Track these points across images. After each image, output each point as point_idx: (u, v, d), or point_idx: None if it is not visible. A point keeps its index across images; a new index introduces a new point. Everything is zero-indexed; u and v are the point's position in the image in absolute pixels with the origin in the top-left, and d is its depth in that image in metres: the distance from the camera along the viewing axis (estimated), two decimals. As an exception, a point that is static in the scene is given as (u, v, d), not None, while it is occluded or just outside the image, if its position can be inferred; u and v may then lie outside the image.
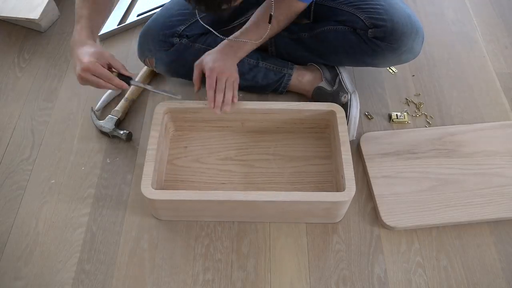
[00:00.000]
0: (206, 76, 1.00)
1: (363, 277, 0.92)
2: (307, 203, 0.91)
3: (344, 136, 0.98)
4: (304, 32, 1.14)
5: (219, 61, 0.99)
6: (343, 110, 1.03)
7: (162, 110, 1.03)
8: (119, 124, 1.14)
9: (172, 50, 1.11)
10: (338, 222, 0.99)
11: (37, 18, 1.32)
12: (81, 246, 0.96)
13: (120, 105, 1.16)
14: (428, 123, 1.16)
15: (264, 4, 1.03)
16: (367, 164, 1.05)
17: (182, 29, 1.10)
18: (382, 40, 1.01)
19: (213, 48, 1.04)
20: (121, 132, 1.11)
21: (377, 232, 0.98)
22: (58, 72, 1.28)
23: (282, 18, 1.02)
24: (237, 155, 1.09)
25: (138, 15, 1.40)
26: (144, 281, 0.92)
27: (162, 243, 0.97)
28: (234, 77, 1.01)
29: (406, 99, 1.21)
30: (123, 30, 1.38)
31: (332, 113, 1.03)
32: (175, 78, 1.20)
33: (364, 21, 1.02)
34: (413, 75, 1.27)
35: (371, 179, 1.03)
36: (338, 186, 0.99)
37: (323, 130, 1.10)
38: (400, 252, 0.96)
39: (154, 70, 1.19)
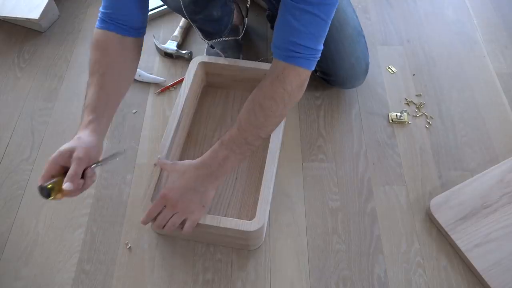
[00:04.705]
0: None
1: (363, 277, 0.92)
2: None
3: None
4: None
5: (185, 194, 0.85)
6: None
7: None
8: (179, 47, 1.31)
9: None
10: (339, 222, 0.99)
11: (37, 18, 1.32)
12: (81, 246, 0.96)
13: (178, 31, 1.33)
14: (429, 123, 1.16)
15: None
16: (452, 236, 0.96)
17: None
18: (327, 82, 1.19)
19: None
20: (184, 51, 1.28)
21: (377, 232, 0.98)
22: (58, 72, 1.28)
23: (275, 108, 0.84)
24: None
25: (138, 15, 1.40)
26: (144, 281, 0.92)
27: (162, 243, 0.97)
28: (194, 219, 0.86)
29: (406, 99, 1.21)
30: (123, 30, 1.38)
31: None
32: None
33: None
34: (414, 75, 1.27)
35: (464, 253, 0.94)
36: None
37: None
38: (400, 252, 0.96)
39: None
